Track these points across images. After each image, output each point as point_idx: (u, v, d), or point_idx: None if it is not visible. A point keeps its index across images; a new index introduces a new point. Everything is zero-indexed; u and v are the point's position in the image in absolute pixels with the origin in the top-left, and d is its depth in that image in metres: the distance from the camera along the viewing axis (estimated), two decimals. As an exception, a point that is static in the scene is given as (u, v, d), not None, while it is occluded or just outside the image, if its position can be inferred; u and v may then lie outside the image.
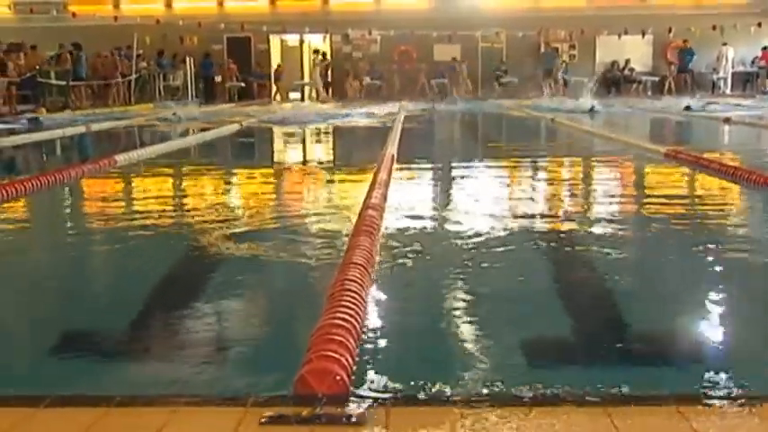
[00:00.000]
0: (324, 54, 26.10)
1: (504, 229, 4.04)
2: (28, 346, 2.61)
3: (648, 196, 5.53)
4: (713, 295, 2.92)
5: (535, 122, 14.06)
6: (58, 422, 1.66)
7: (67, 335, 2.59)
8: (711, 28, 24.50)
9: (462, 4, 25.75)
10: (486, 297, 2.86)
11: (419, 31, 25.08)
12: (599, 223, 4.39)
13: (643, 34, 25.75)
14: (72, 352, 2.42)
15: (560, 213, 4.78)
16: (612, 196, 5.55)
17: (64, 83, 19.06)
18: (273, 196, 6.01)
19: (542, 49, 26.28)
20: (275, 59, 27.46)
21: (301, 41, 27.82)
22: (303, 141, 11.85)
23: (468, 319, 2.60)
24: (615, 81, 25.64)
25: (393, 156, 6.90)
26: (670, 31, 25.31)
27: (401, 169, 6.47)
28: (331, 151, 10.73)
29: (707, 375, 2.09)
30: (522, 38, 25.76)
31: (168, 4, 26.42)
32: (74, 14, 24.76)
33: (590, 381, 2.07)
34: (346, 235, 3.66)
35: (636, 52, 25.94)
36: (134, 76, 22.58)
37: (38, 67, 19.26)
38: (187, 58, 24.91)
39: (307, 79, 27.39)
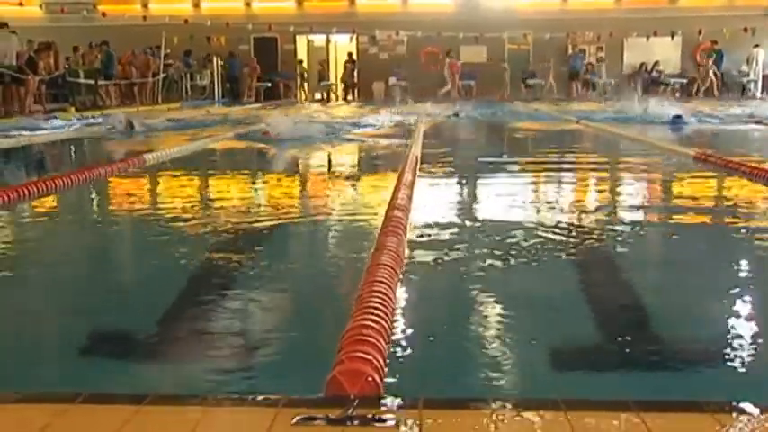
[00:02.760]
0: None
1: (536, 230, 4.00)
2: (56, 343, 2.63)
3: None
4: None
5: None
6: (92, 419, 1.67)
7: (93, 332, 2.60)
8: (743, 30, 24.23)
9: (489, 5, 25.68)
10: (517, 298, 2.84)
11: (446, 32, 25.05)
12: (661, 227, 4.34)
13: (672, 36, 25.52)
14: (99, 349, 2.43)
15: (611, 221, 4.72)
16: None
17: (92, 81, 19.23)
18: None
19: (570, 51, 26.15)
20: (304, 60, 27.58)
21: (328, 42, 27.92)
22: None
23: (499, 320, 2.59)
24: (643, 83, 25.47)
25: (417, 157, 6.89)
26: (700, 32, 25.06)
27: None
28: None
29: (745, 382, 2.06)
30: (550, 40, 25.65)
31: (196, 5, 26.69)
32: (104, 14, 25.08)
33: (623, 384, 2.06)
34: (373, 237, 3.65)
35: (664, 54, 25.73)
36: (162, 76, 22.76)
37: (67, 66, 19.47)
38: (214, 58, 25.13)
39: (332, 80, 27.46)
